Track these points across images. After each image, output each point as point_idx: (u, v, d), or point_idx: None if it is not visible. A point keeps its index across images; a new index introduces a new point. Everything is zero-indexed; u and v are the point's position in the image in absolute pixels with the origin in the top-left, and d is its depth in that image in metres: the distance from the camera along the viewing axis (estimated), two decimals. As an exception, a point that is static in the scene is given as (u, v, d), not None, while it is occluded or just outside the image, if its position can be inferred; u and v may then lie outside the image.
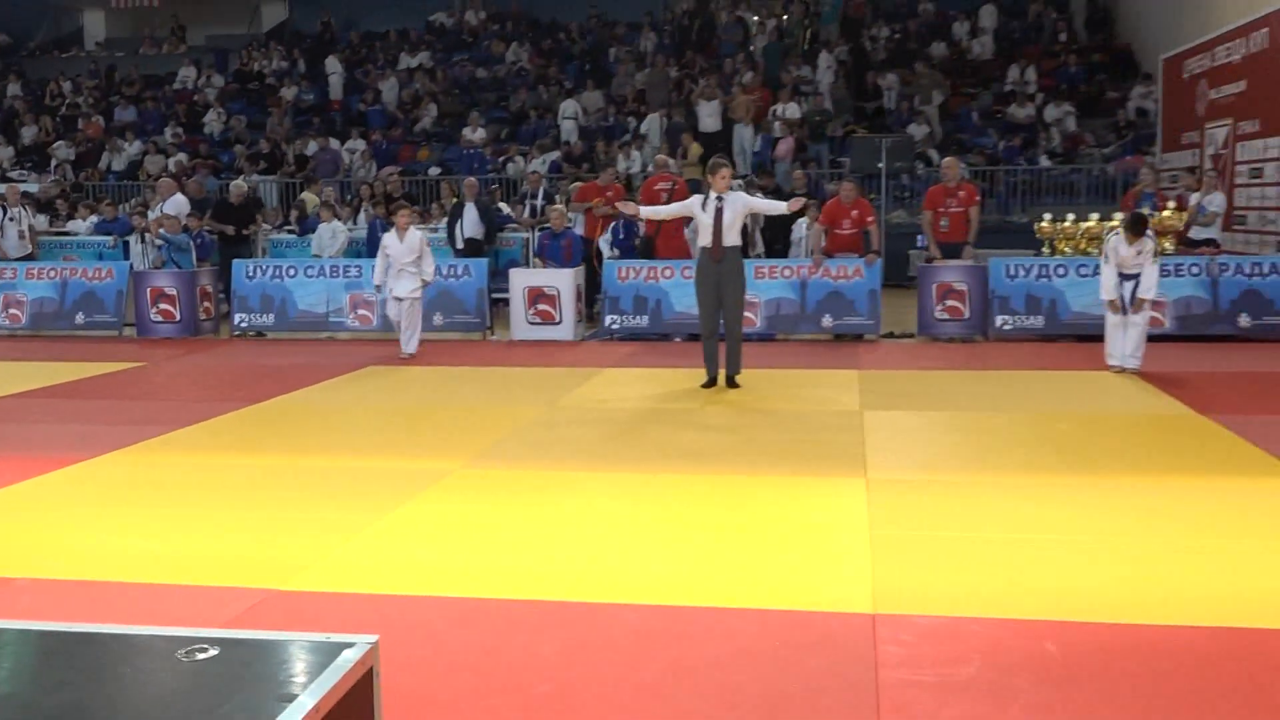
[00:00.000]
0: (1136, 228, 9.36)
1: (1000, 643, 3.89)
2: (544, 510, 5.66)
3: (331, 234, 14.48)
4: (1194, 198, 12.70)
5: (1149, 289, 9.45)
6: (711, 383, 9.06)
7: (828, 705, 3.45)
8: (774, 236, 14.10)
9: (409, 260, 10.87)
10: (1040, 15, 23.19)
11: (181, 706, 1.83)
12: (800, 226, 13.98)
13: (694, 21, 24.63)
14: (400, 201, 12.89)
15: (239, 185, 15.59)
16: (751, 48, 22.85)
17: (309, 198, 16.90)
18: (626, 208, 10.15)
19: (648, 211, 10.30)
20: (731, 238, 8.87)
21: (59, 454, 6.91)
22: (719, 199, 8.84)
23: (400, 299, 10.91)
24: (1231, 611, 4.13)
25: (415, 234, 11.00)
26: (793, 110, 19.65)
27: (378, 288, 11.32)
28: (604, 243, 13.39)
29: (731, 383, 9.05)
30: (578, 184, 15.64)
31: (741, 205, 9.01)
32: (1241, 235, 13.74)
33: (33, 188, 19.23)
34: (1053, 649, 3.84)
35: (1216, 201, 12.75)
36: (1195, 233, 12.23)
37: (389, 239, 10.96)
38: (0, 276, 14.10)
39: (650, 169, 17.58)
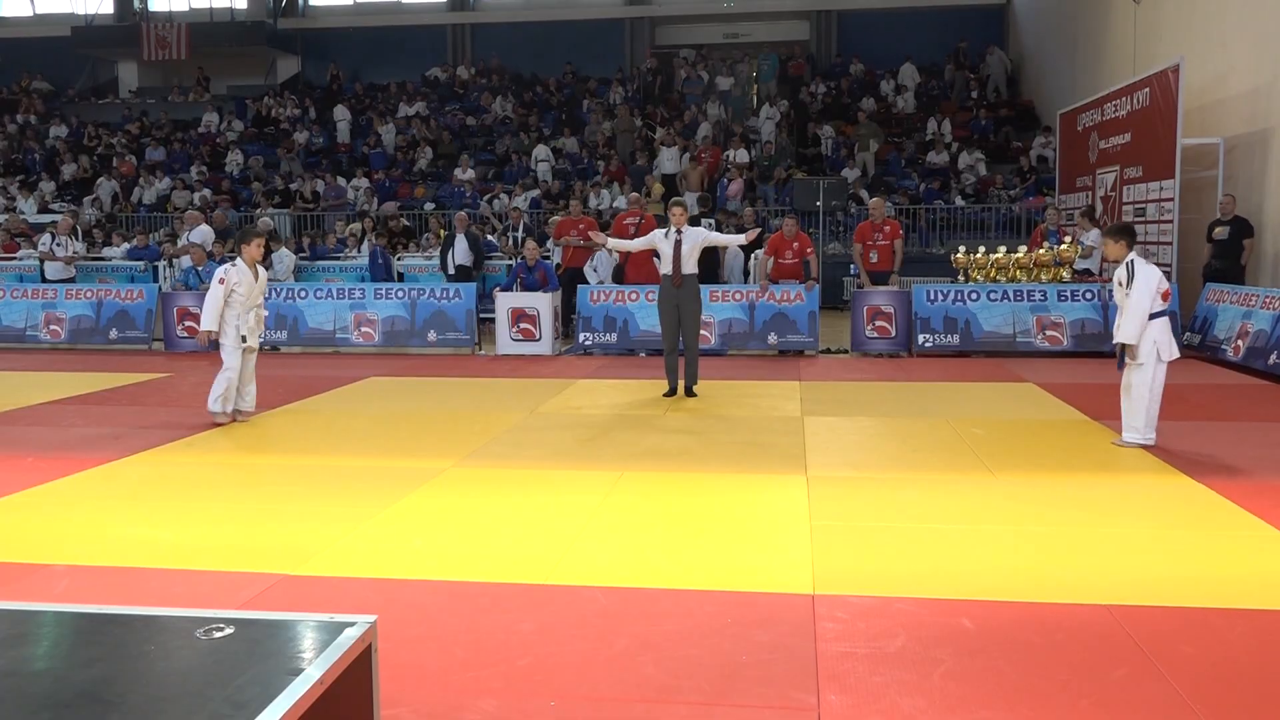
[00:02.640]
0: (1123, 233, 6.95)
1: (923, 619, 3.90)
2: (525, 503, 5.63)
3: (280, 259, 14.61)
4: (1075, 235, 12.88)
5: (1123, 330, 6.70)
6: (672, 392, 9.05)
7: (774, 674, 3.44)
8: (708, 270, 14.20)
9: (260, 301, 8.07)
10: (955, 75, 23.51)
11: (200, 680, 1.80)
12: (751, 257, 14.10)
13: (656, 78, 24.77)
14: (252, 227, 9.35)
15: (266, 222, 15.49)
16: (708, 101, 22.96)
17: (356, 227, 16.85)
18: (597, 237, 9.66)
19: (614, 243, 9.84)
20: (690, 266, 8.88)
21: (92, 454, 6.81)
22: (679, 232, 8.86)
23: (253, 349, 8.02)
24: (1121, 591, 4.17)
25: (262, 270, 8.11)
26: (741, 155, 19.77)
27: (212, 334, 7.87)
28: (589, 269, 13.38)
29: (690, 392, 9.04)
30: (556, 218, 15.61)
31: (700, 238, 9.01)
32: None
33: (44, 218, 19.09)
34: (969, 624, 3.85)
35: (1092, 237, 12.94)
36: (1078, 264, 12.43)
37: (234, 273, 7.84)
38: (42, 296, 13.92)
39: (621, 204, 17.62)
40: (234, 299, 7.88)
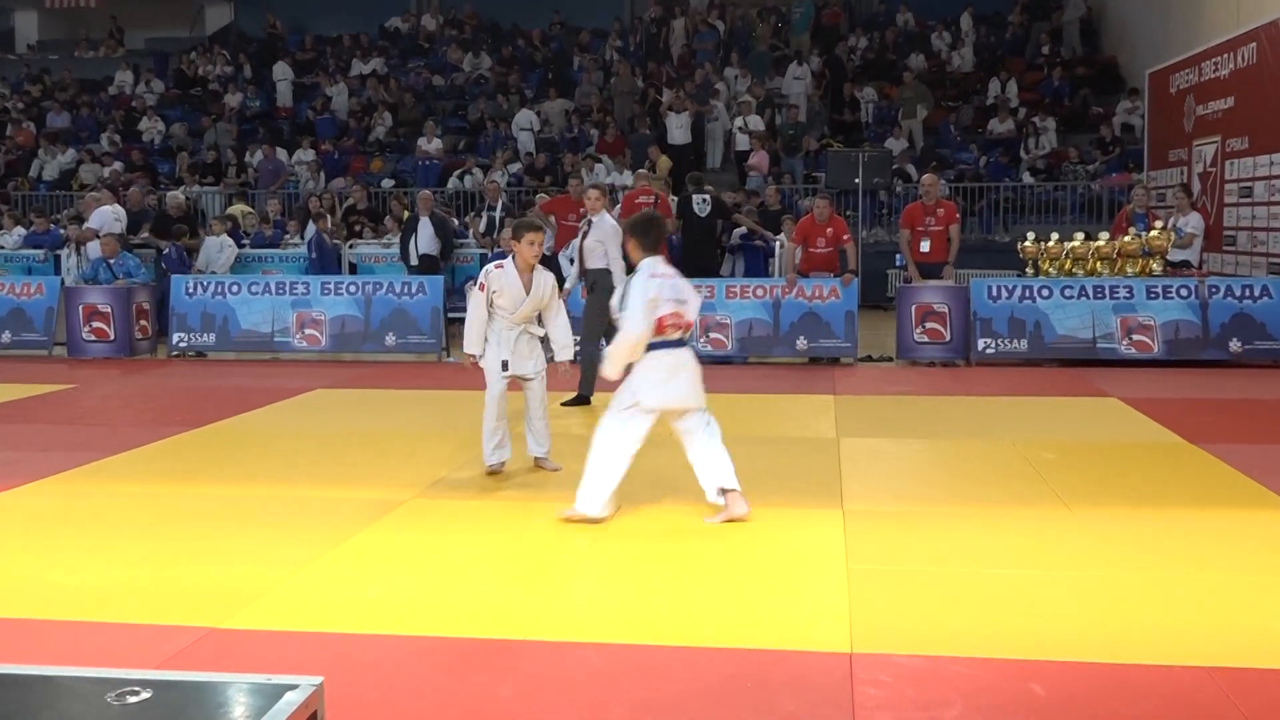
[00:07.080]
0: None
1: (983, 684, 3.89)
2: (502, 542, 5.63)
3: (219, 248, 14.50)
4: (1171, 220, 12.86)
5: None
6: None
7: (803, 750, 3.44)
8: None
9: (532, 313, 7.11)
10: (1023, 27, 23.50)
11: (111, 755, 1.80)
12: (775, 245, 14.10)
13: (661, 29, 24.75)
14: (528, 220, 7.93)
15: (175, 196, 15.52)
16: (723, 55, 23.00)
17: (240, 210, 16.83)
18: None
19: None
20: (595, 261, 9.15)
21: (-19, 482, 6.81)
22: (589, 222, 9.22)
23: (527, 379, 7.09)
24: (1226, 650, 4.15)
25: (545, 273, 7.18)
26: (755, 121, 19.68)
27: (474, 360, 7.12)
28: (563, 258, 13.36)
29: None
30: (543, 196, 15.62)
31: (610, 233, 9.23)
32: (1231, 256, 13.95)
33: None
34: (1039, 690, 3.84)
35: (1193, 223, 12.91)
36: (1172, 255, 12.39)
37: (496, 278, 6.95)
38: (-81, 292, 13.91)
39: (618, 181, 17.65)
40: (495, 311, 6.99)
